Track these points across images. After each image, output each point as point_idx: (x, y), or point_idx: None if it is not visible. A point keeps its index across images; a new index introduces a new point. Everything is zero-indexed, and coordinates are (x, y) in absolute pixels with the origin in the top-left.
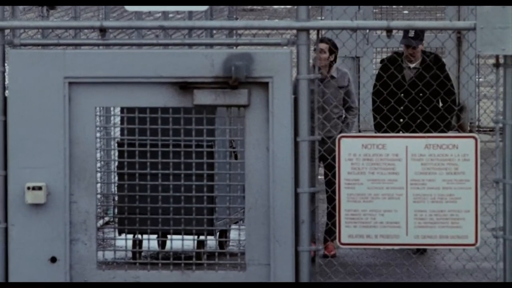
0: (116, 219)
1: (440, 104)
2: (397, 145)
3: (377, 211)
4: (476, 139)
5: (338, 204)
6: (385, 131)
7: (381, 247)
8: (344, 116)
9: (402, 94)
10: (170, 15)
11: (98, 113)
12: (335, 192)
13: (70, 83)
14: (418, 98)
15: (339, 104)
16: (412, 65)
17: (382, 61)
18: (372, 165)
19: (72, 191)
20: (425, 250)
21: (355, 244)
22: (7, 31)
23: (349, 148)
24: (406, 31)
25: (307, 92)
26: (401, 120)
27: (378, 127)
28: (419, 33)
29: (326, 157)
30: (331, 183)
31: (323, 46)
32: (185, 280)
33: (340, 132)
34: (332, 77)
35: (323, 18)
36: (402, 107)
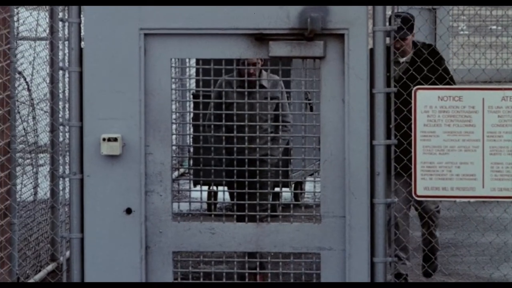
0: (191, 171)
1: None
2: (473, 97)
3: (453, 164)
4: None
5: (414, 156)
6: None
7: (457, 200)
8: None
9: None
10: None
11: (173, 65)
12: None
13: (145, 34)
14: (408, 99)
15: (270, 119)
16: (401, 60)
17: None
18: (448, 117)
19: (147, 143)
20: (431, 274)
21: (430, 197)
22: None
23: (425, 100)
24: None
25: (383, 43)
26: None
27: None
28: (407, 22)
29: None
30: None
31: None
32: (260, 232)
33: (266, 154)
34: (262, 86)
35: None
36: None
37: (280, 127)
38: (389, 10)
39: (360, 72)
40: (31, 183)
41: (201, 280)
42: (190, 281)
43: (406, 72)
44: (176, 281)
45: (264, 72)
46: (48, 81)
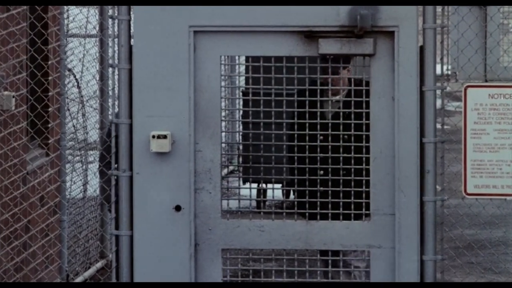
0: (241, 168)
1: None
2: None
3: (503, 161)
4: None
5: (464, 154)
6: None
7: (507, 198)
8: None
9: (322, 137)
10: None
11: (223, 62)
12: None
13: (195, 32)
14: (344, 143)
15: None
16: (334, 98)
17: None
18: (499, 115)
19: (197, 140)
20: None
21: (481, 194)
22: None
23: (476, 98)
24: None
25: (433, 41)
26: (322, 172)
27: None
28: (343, 54)
29: None
30: None
31: None
32: (309, 230)
33: None
34: None
35: None
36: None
37: None
38: (439, 7)
39: (410, 70)
40: (80, 180)
41: (250, 278)
42: (240, 278)
43: (337, 110)
44: (225, 280)
45: None
46: (97, 78)
